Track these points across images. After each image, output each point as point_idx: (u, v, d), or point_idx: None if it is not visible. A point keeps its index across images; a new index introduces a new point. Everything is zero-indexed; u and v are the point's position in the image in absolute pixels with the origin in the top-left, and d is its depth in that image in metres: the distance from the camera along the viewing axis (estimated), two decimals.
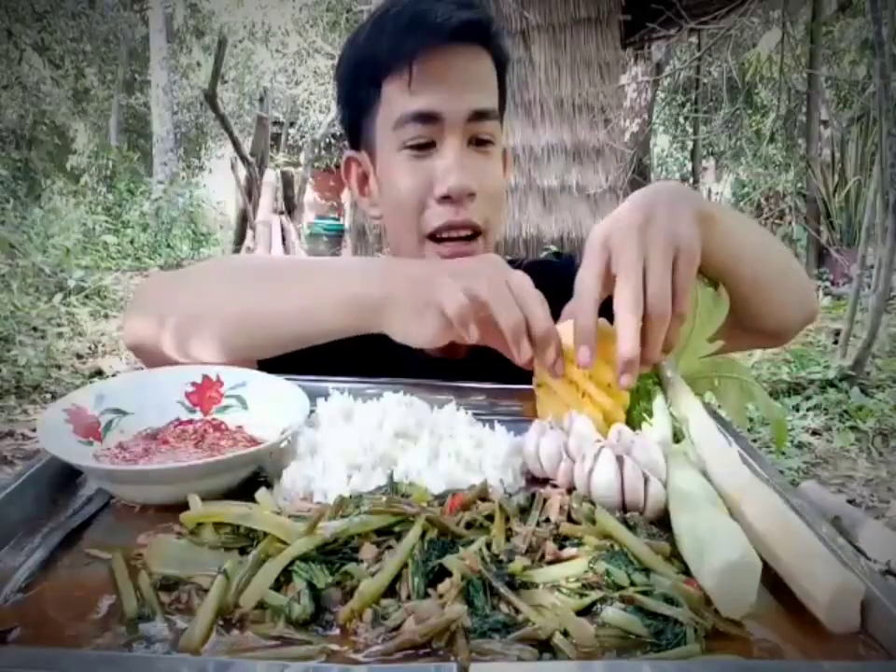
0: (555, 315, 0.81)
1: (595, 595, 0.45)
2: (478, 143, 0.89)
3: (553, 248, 5.14)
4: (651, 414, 0.68)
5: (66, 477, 0.62)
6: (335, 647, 0.41)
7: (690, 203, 0.72)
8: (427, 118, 0.85)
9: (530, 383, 0.78)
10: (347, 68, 0.93)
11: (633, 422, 0.68)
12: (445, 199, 0.86)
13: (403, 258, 0.93)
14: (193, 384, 0.75)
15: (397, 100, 0.87)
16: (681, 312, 0.67)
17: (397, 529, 0.50)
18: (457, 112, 0.86)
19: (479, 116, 0.87)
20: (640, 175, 6.85)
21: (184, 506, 0.53)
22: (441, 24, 0.83)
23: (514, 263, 1.13)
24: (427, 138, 0.86)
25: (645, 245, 0.66)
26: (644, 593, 0.45)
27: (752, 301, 0.81)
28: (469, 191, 0.86)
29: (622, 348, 0.64)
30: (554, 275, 1.08)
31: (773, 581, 0.48)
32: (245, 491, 0.59)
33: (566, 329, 0.74)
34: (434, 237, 0.88)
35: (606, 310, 0.75)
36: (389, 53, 0.85)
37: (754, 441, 3.25)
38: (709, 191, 10.30)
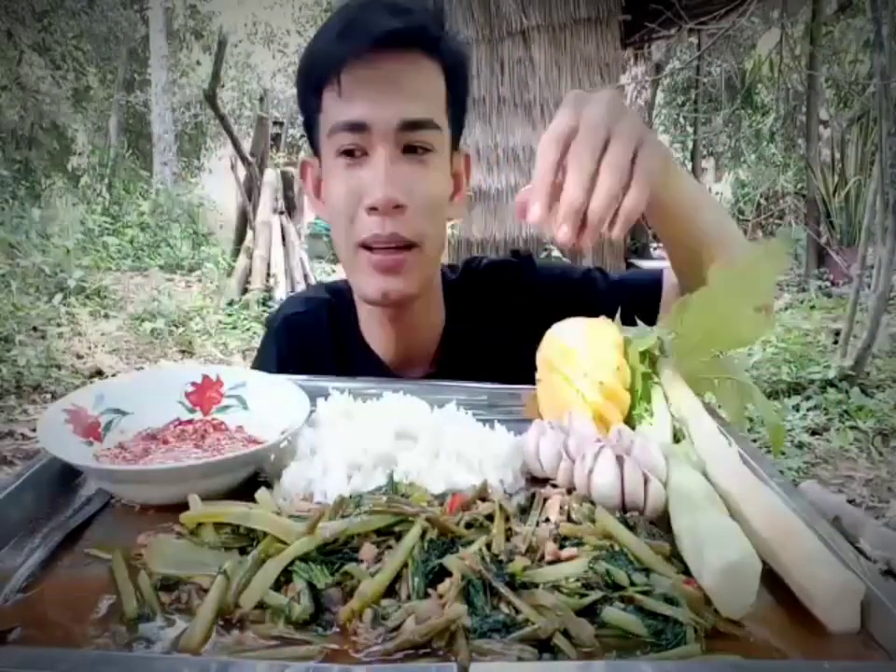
0: (517, 315, 0.79)
1: (595, 595, 0.45)
2: (412, 151, 0.87)
3: (556, 251, 5.13)
4: (651, 414, 0.68)
5: (66, 477, 0.62)
6: (335, 647, 0.41)
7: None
8: (355, 127, 0.85)
9: (525, 383, 0.78)
10: (298, 75, 0.94)
11: (633, 422, 0.68)
12: (373, 210, 0.85)
13: (344, 264, 0.94)
14: (193, 384, 0.75)
15: (331, 108, 0.87)
16: (638, 193, 0.63)
17: (397, 529, 0.50)
18: (385, 122, 0.84)
19: (411, 126, 0.85)
20: None
21: (184, 506, 0.53)
22: (368, 33, 0.82)
23: (473, 262, 1.11)
24: (357, 146, 0.86)
25: (614, 117, 0.64)
26: (644, 593, 0.45)
27: (691, 258, 0.81)
28: (396, 203, 0.84)
29: (567, 192, 0.61)
30: (514, 276, 1.07)
31: (773, 581, 0.48)
32: (245, 491, 0.59)
33: (564, 329, 0.74)
34: (365, 246, 0.88)
35: (601, 311, 0.75)
36: (324, 62, 0.86)
37: (754, 441, 3.25)
38: (709, 191, 10.27)
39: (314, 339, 1.03)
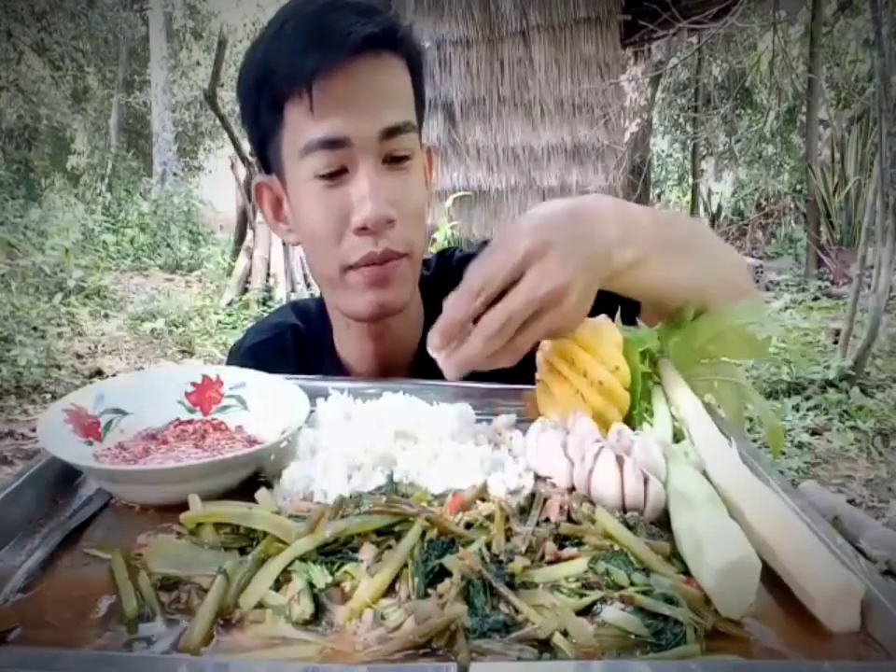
0: None
1: (594, 595, 0.45)
2: (394, 160, 0.82)
3: None
4: (651, 414, 0.68)
5: (66, 477, 0.62)
6: (335, 647, 0.41)
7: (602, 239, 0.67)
8: (335, 143, 0.79)
9: (505, 379, 0.77)
10: (247, 87, 0.86)
11: (633, 422, 0.68)
12: (363, 230, 0.80)
13: (326, 286, 0.89)
14: (193, 384, 0.75)
15: (301, 125, 0.80)
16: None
17: (397, 529, 0.50)
18: (368, 133, 0.79)
19: (392, 132, 0.81)
20: (639, 175, 6.85)
21: (184, 506, 0.53)
22: (343, 40, 0.75)
23: (445, 253, 1.05)
24: (338, 166, 0.80)
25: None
26: (644, 593, 0.45)
27: (670, 303, 0.78)
28: (388, 219, 0.80)
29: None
30: None
31: (773, 581, 0.48)
32: (245, 491, 0.59)
33: None
34: (355, 267, 0.84)
35: (601, 308, 0.75)
36: (288, 74, 0.78)
37: (754, 441, 3.25)
38: (709, 191, 10.31)
39: (278, 368, 0.93)
